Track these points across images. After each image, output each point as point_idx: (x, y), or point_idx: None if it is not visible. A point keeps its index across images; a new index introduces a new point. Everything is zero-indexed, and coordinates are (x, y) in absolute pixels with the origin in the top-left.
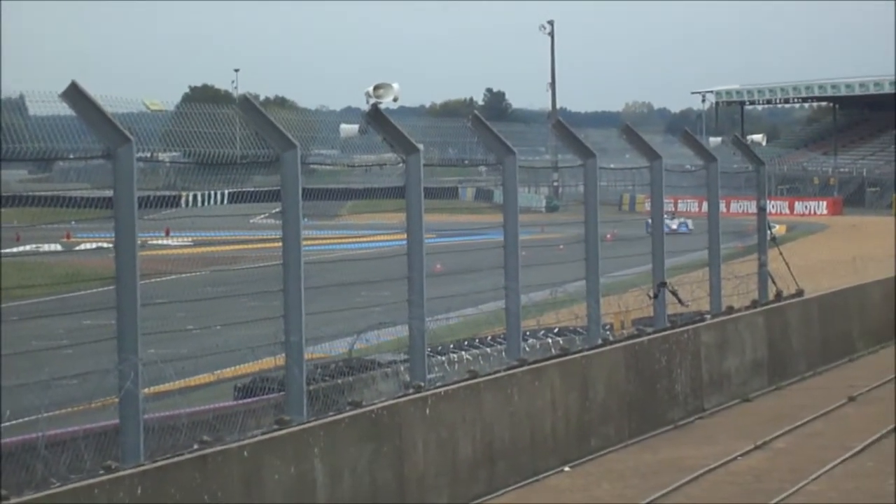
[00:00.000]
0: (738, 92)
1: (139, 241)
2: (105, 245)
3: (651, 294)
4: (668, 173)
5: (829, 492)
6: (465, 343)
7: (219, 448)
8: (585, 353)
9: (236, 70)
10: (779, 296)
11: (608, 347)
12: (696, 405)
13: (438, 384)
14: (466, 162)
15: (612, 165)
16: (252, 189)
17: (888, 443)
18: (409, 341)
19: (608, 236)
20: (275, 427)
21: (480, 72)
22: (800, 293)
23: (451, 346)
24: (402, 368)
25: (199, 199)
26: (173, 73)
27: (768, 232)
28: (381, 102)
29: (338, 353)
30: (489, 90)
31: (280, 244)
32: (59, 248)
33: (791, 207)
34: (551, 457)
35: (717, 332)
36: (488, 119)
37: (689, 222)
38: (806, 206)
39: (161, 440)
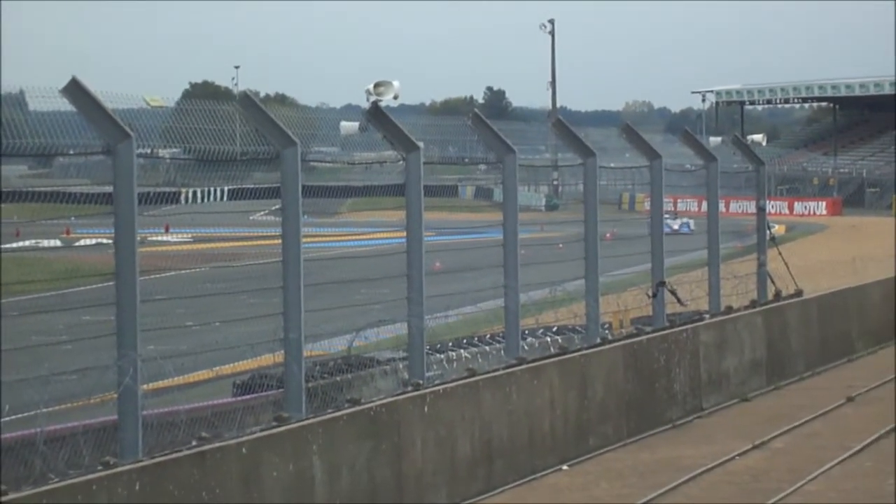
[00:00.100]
0: (738, 92)
1: (139, 238)
2: (105, 241)
3: (650, 293)
4: (667, 173)
5: (828, 492)
6: (464, 341)
7: (217, 445)
8: (584, 351)
9: (236, 67)
10: (778, 296)
11: (607, 346)
12: (694, 405)
13: (437, 382)
14: (466, 160)
15: (611, 164)
16: (252, 186)
17: (887, 443)
18: (408, 339)
19: (608, 235)
20: (273, 424)
21: (481, 70)
22: (799, 293)
23: (450, 344)
24: (400, 366)
25: (199, 195)
26: (174, 71)
27: (768, 232)
28: (381, 100)
29: (337, 350)
30: (489, 88)
31: (280, 241)
32: (58, 243)
33: (790, 208)
34: (550, 455)
35: (716, 332)
36: (488, 117)
37: (691, 222)
38: (805, 207)
39: (160, 436)
